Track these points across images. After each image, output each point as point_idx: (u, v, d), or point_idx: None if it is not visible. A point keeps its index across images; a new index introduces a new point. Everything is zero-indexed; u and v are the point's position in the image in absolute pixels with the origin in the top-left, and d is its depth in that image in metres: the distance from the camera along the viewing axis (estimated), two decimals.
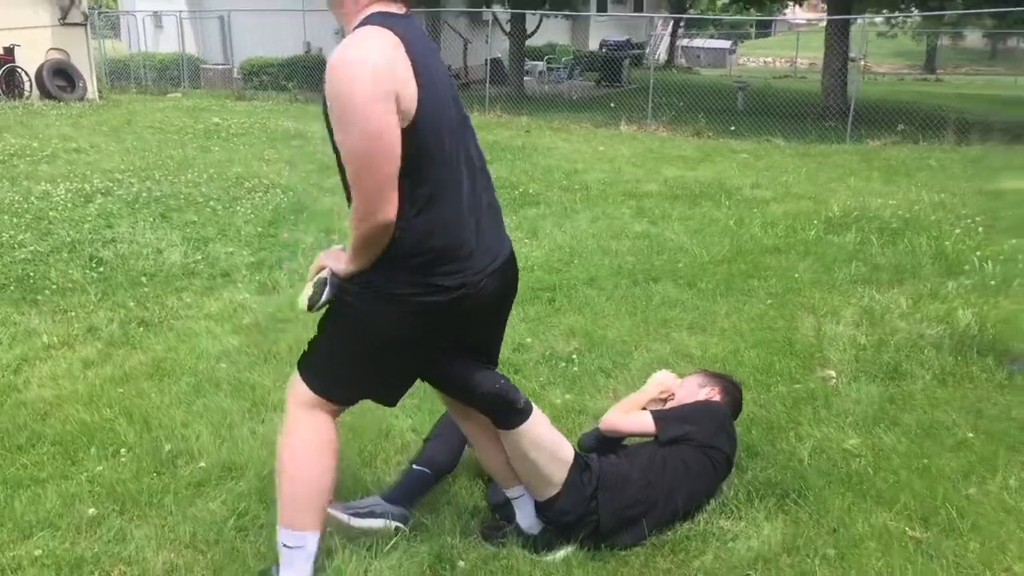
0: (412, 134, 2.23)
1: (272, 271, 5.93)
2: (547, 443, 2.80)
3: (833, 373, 4.30)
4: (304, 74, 19.89)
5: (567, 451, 2.84)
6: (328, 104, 2.22)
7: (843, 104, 18.54)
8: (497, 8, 20.88)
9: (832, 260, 6.27)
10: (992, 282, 5.69)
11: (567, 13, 23.33)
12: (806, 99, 17.67)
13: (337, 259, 2.45)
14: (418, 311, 2.40)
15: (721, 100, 18.16)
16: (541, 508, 2.87)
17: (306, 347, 2.62)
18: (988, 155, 12.06)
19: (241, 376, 4.19)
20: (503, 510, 3.02)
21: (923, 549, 2.86)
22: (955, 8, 21.07)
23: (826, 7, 21.41)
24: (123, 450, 3.48)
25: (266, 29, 20.21)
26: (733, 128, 15.14)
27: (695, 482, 3.01)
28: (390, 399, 2.68)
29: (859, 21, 21.54)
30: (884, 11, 22.76)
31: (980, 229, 7.13)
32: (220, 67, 21.78)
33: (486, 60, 18.54)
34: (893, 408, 3.91)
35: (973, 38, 44.86)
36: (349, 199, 2.35)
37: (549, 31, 23.19)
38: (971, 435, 3.61)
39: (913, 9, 23.03)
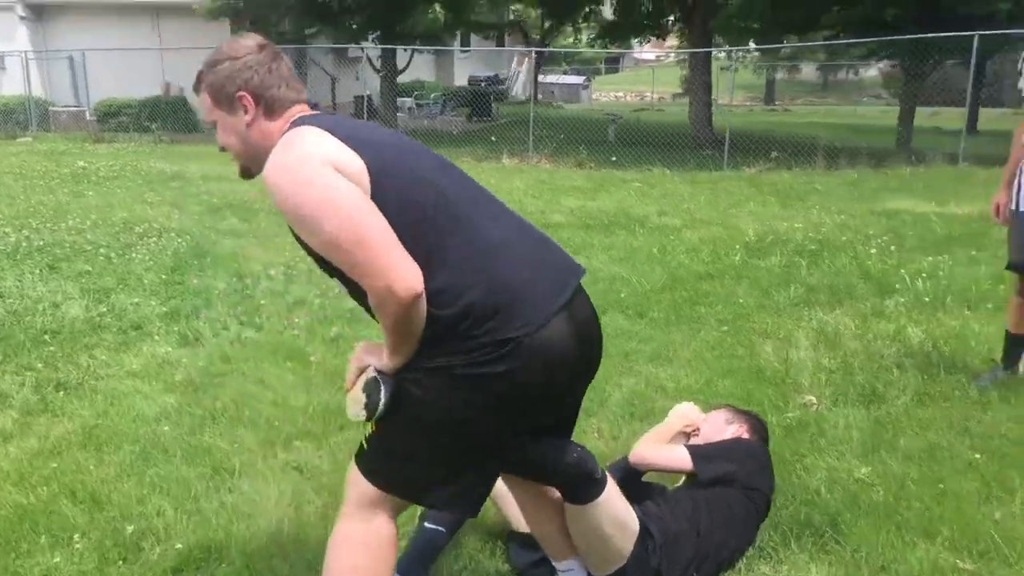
0: (379, 202, 1.96)
1: (189, 321, 5.44)
2: (621, 515, 2.52)
3: (813, 399, 4.20)
4: (167, 113, 19.00)
5: (635, 522, 2.57)
6: (286, 215, 1.99)
7: (711, 133, 19.22)
8: (367, 44, 20.59)
9: (767, 284, 6.26)
10: (926, 299, 5.78)
11: (437, 48, 23.27)
12: (675, 129, 18.10)
13: (378, 355, 2.12)
14: (482, 382, 2.01)
15: (594, 132, 18.40)
16: None
17: (362, 449, 2.23)
18: (863, 178, 12.55)
19: (191, 440, 3.74)
20: (533, 573, 2.75)
21: None
22: (791, 42, 22.31)
23: (686, 42, 22.19)
24: (76, 535, 3.00)
25: (122, 69, 19.24)
26: (615, 159, 15.31)
27: (741, 528, 2.81)
28: (471, 504, 2.28)
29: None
30: (726, 47, 23.91)
31: (892, 248, 7.31)
32: (71, 109, 20.58)
33: (355, 98, 18.19)
34: (886, 433, 3.83)
35: (807, 71, 47.53)
36: (365, 306, 2.09)
37: (415, 68, 23.07)
38: (977, 456, 3.55)
39: (751, 43, 24.32)
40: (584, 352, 2.15)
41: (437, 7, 20.48)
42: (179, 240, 7.68)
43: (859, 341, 5.02)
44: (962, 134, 14.74)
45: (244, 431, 3.83)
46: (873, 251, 7.21)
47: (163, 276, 6.47)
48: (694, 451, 2.90)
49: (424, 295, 1.95)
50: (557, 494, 2.47)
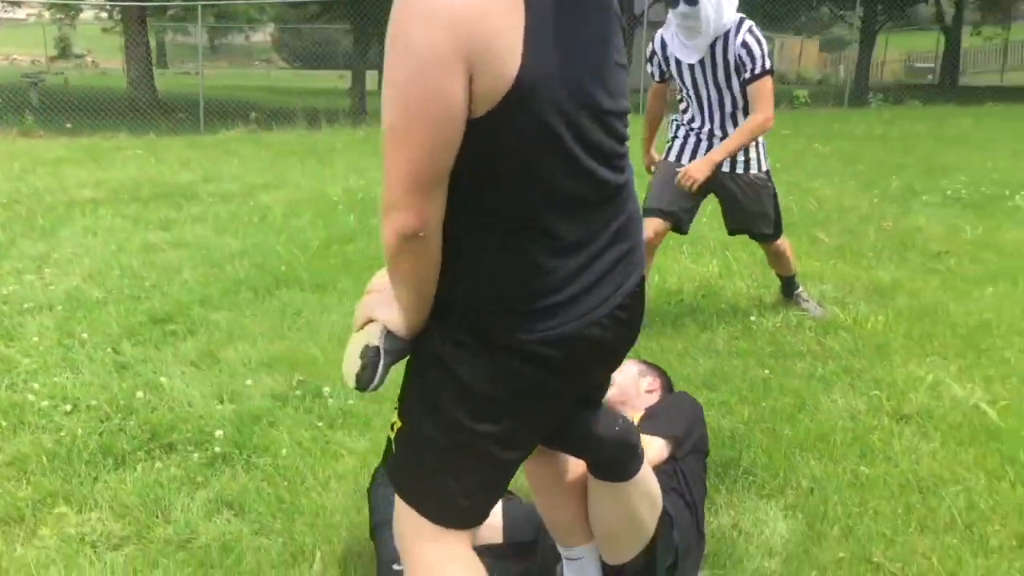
0: (488, 128, 1.46)
1: None
2: (654, 492, 2.20)
3: None
4: None
5: (660, 499, 2.27)
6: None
7: (152, 96, 18.01)
8: None
9: None
10: None
11: None
12: (107, 93, 16.52)
13: (391, 304, 1.65)
14: (529, 359, 1.62)
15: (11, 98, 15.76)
16: (620, 571, 2.24)
17: (392, 446, 1.76)
18: (369, 136, 12.71)
19: None
20: None
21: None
22: None
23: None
24: None
25: None
26: (70, 125, 13.55)
27: (703, 489, 2.66)
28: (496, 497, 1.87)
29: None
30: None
31: None
32: None
33: None
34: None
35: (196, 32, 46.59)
36: None
37: None
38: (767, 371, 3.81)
39: None
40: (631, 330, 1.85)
41: None
42: None
43: None
44: None
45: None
46: None
47: None
48: (665, 435, 2.64)
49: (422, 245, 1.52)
50: (575, 476, 2.12)
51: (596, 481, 2.08)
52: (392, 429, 1.76)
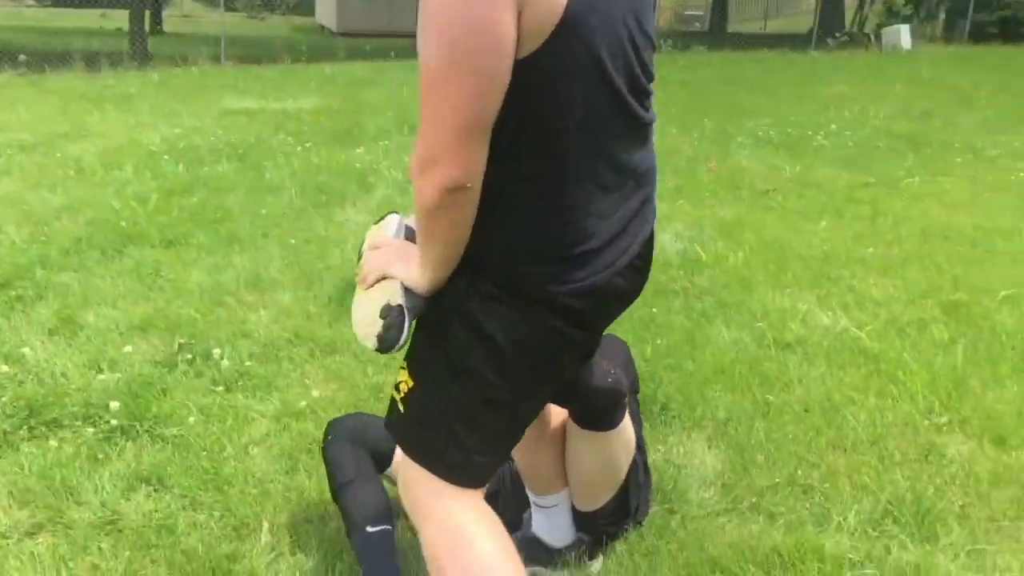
0: (537, 67, 1.40)
1: None
2: (633, 439, 2.25)
3: None
4: None
5: (634, 442, 2.31)
6: None
7: None
8: None
9: (260, 186, 5.72)
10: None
11: None
12: None
13: (407, 259, 1.59)
14: (559, 311, 1.57)
15: None
16: (592, 516, 2.28)
17: (399, 406, 1.68)
18: (166, 81, 11.85)
19: None
20: None
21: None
22: None
23: None
24: None
25: None
26: None
27: (641, 427, 2.74)
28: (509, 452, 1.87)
29: None
30: None
31: (307, 144, 7.23)
32: None
33: None
34: None
35: None
36: None
37: None
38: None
39: None
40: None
41: None
42: None
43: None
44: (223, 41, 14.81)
45: None
46: (307, 146, 7.08)
47: None
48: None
49: (468, 198, 1.45)
50: (556, 425, 2.15)
51: (579, 430, 2.09)
52: (398, 390, 1.68)
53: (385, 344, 1.57)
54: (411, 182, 1.48)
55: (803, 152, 7.49)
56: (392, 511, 2.25)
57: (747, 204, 5.79)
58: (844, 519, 2.45)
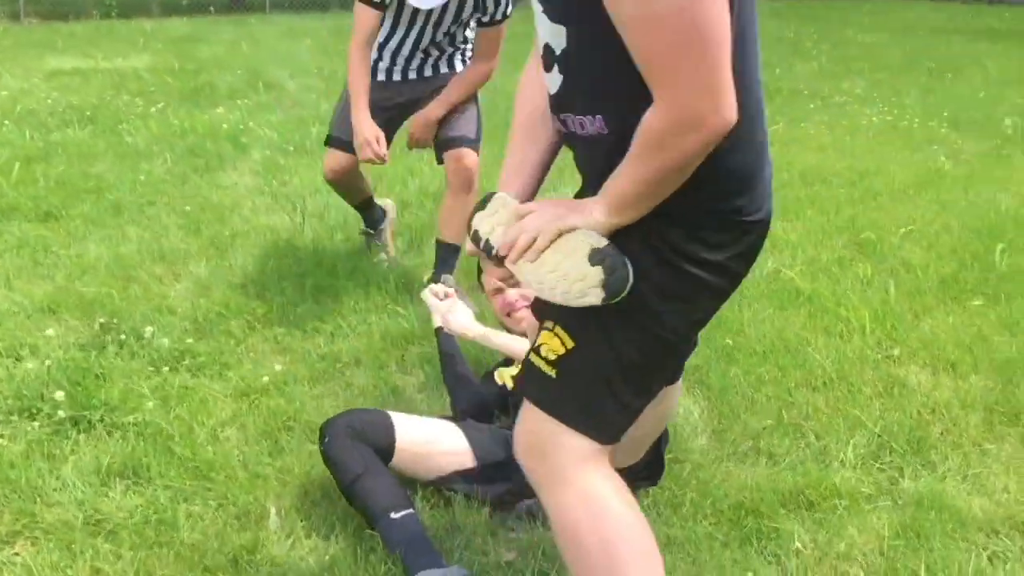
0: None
1: None
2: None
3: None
4: None
5: None
6: None
7: None
8: None
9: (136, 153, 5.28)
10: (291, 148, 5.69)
11: None
12: None
13: (579, 210, 1.46)
14: (730, 266, 1.53)
15: None
16: (629, 471, 2.22)
17: (545, 372, 1.53)
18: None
19: None
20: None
21: None
22: None
23: None
24: None
25: None
26: None
27: None
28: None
29: None
30: None
31: (160, 105, 6.76)
32: None
33: None
34: None
35: None
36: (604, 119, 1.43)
37: None
38: None
39: None
40: None
41: None
42: None
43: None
44: None
45: None
46: (155, 110, 6.59)
47: None
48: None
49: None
50: None
51: None
52: (541, 356, 1.54)
53: (614, 288, 1.42)
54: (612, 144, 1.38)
55: None
56: (409, 497, 2.18)
57: None
58: (844, 455, 2.52)
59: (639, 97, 1.33)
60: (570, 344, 1.51)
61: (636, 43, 1.30)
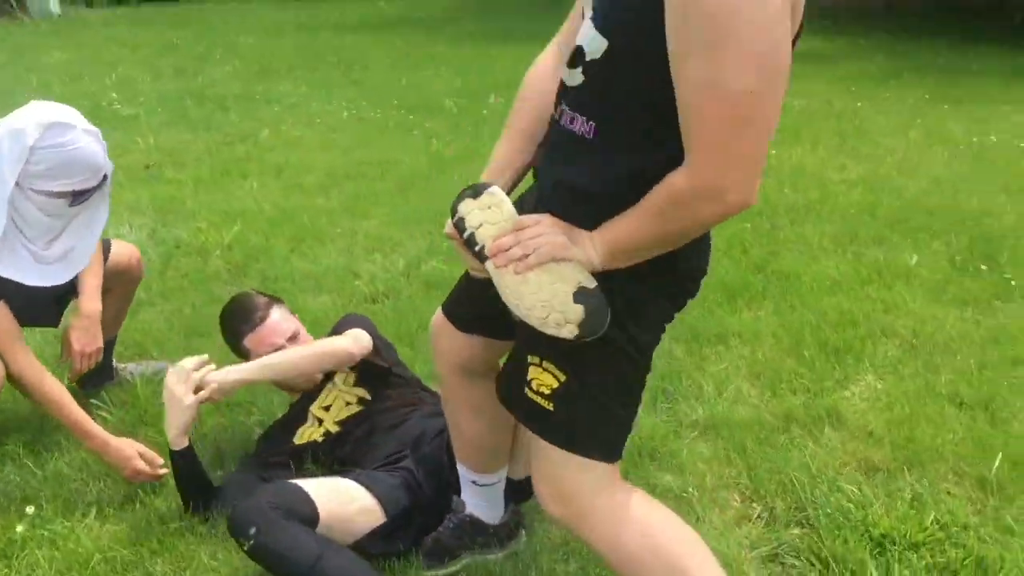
0: None
1: None
2: None
3: None
4: None
5: None
6: (693, 13, 1.24)
7: None
8: None
9: None
10: None
11: None
12: None
13: (576, 241, 1.50)
14: (694, 279, 1.66)
15: None
16: (524, 482, 2.28)
17: (542, 406, 1.61)
18: None
19: None
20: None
21: None
22: None
23: None
24: None
25: None
26: None
27: None
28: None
29: None
30: None
31: None
32: None
33: None
34: None
35: None
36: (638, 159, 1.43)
37: None
38: None
39: None
40: None
41: None
42: None
43: None
44: None
45: None
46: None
47: None
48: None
49: None
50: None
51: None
52: (533, 390, 1.59)
53: (590, 329, 1.45)
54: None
55: None
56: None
57: None
58: None
59: (642, 135, 1.40)
60: (562, 377, 1.56)
61: (691, 104, 1.30)
